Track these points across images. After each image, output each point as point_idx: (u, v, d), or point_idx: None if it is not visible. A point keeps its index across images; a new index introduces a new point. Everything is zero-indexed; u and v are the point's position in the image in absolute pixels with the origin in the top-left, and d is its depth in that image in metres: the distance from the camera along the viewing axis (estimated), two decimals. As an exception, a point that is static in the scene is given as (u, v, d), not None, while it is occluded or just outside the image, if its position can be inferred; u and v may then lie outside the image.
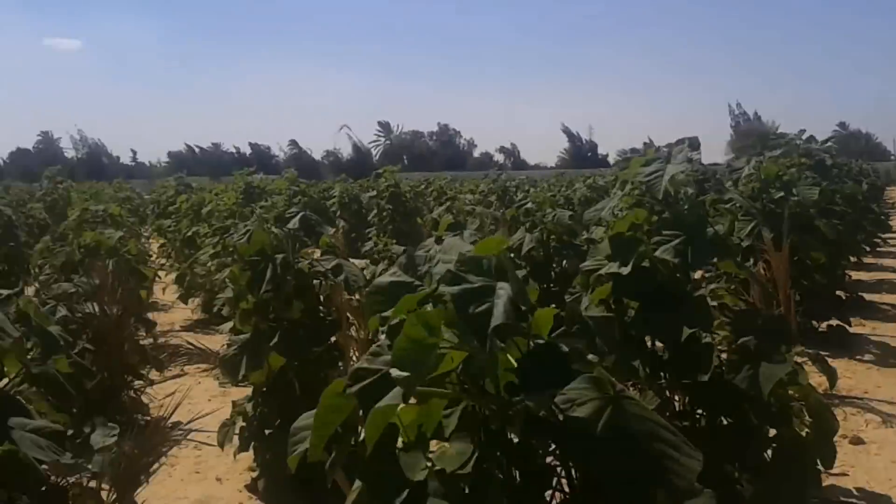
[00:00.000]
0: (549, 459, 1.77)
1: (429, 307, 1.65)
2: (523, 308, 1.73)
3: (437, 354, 1.57)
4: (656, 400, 3.41)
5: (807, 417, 3.48)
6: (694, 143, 3.97)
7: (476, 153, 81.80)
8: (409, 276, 2.00)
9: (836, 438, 4.04)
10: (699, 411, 3.42)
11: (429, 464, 1.68)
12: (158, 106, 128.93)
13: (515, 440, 1.74)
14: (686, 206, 3.61)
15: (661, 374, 3.40)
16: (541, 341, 1.80)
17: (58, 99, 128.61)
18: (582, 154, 74.63)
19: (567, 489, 1.75)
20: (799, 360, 4.05)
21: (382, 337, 1.84)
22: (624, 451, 1.54)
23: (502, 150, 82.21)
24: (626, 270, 3.40)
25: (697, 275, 3.59)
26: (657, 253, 3.35)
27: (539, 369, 1.77)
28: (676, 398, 3.50)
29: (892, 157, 56.92)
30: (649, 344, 3.42)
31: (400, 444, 1.70)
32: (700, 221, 3.48)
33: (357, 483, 1.72)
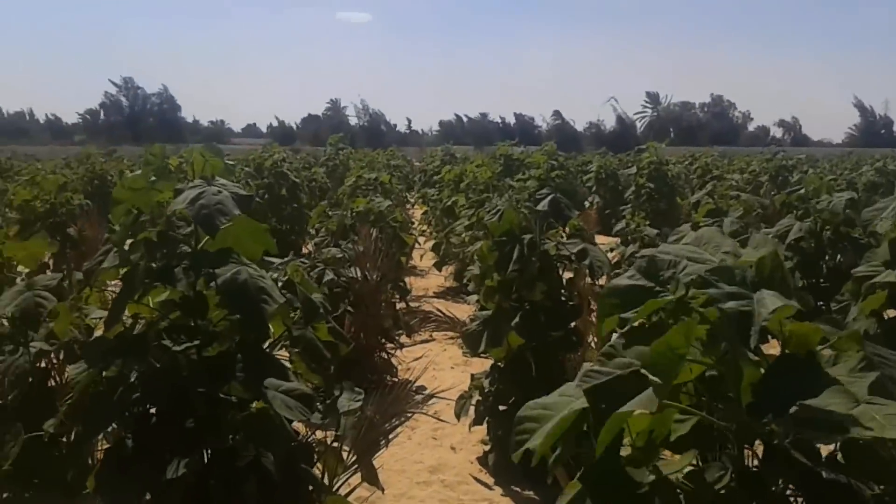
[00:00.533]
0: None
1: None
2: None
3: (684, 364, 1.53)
4: None
5: None
6: None
7: (751, 127, 76.85)
8: (649, 280, 1.95)
9: None
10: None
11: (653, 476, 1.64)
12: (434, 77, 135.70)
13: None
14: None
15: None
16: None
17: (346, 69, 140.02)
18: (874, 131, 67.25)
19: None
20: None
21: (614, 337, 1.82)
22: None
23: (781, 123, 76.49)
24: (904, 278, 3.05)
25: None
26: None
27: (787, 384, 1.66)
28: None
29: None
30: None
31: (627, 450, 1.68)
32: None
33: (575, 482, 1.72)
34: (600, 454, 1.58)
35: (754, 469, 1.70)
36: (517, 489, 3.61)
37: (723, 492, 1.58)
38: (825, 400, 1.54)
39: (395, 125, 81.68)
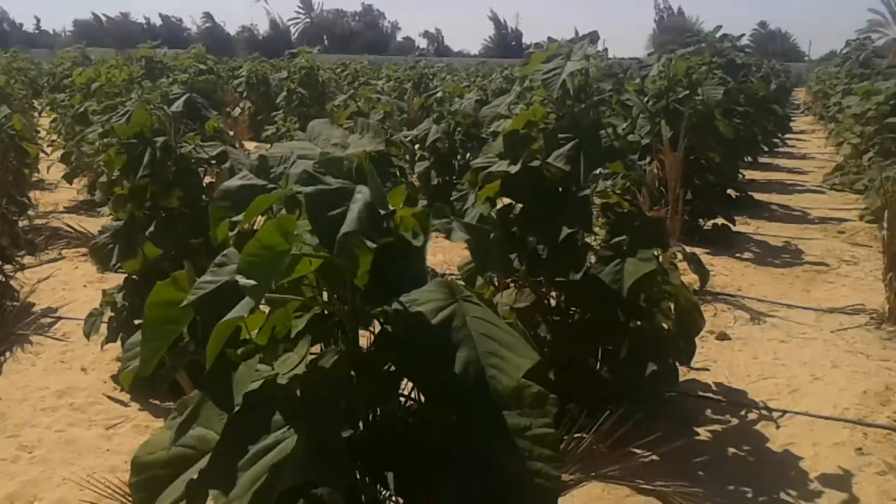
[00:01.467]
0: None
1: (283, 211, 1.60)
2: (383, 212, 1.68)
3: (289, 260, 1.52)
4: (532, 297, 3.50)
5: (674, 315, 3.64)
6: (594, 38, 3.91)
7: (399, 37, 79.60)
8: (262, 178, 1.92)
9: (702, 334, 4.26)
10: (573, 308, 3.54)
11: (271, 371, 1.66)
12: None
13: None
14: (582, 106, 3.58)
15: (540, 272, 3.48)
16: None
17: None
18: (507, 43, 73.46)
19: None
20: (676, 259, 4.20)
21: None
22: (448, 351, 1.55)
23: (426, 34, 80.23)
24: (514, 169, 3.40)
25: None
26: (550, 159, 3.34)
27: (392, 272, 1.75)
28: (553, 295, 3.60)
29: (806, 59, 58.05)
30: (536, 244, 3.46)
31: (240, 352, 1.66)
32: (594, 125, 3.47)
33: (196, 392, 1.69)
34: (210, 365, 1.54)
35: (367, 351, 1.80)
36: (156, 402, 3.46)
37: (333, 373, 1.65)
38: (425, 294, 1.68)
39: (21, 24, 71.37)
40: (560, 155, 3.29)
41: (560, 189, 3.41)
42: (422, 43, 77.89)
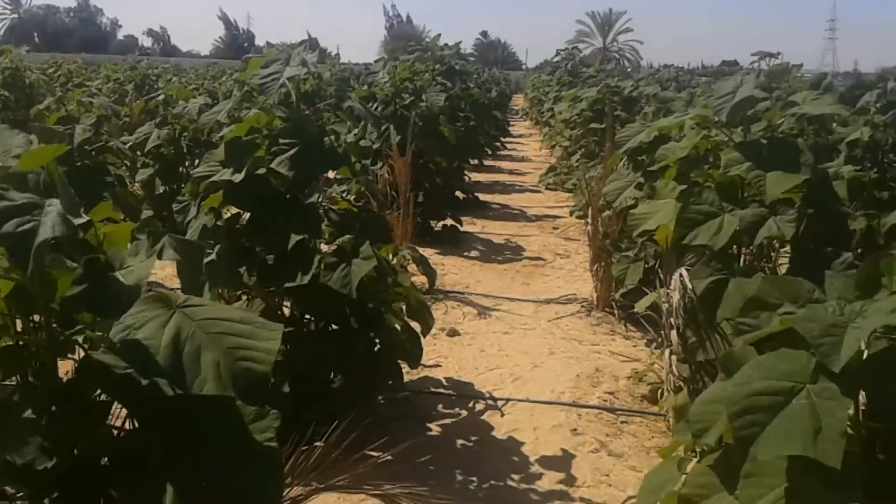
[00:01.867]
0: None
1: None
2: (79, 223, 1.53)
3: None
4: (262, 306, 3.42)
5: (405, 317, 3.74)
6: (313, 45, 3.90)
7: (120, 35, 74.52)
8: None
9: (435, 331, 4.42)
10: (306, 316, 3.51)
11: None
12: None
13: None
14: (306, 113, 3.55)
15: (270, 282, 3.40)
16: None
17: None
18: (239, 44, 71.59)
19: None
20: (406, 262, 4.32)
21: None
22: (188, 360, 1.46)
23: (150, 33, 75.92)
24: (238, 178, 3.28)
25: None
26: (273, 164, 3.27)
27: (96, 293, 1.61)
28: (286, 305, 3.54)
29: (524, 67, 62.77)
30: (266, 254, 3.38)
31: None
32: (318, 131, 3.46)
33: None
34: None
35: (69, 381, 1.65)
36: None
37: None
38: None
39: None
40: (283, 161, 3.24)
41: (287, 196, 3.36)
42: (146, 42, 73.56)
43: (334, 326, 3.43)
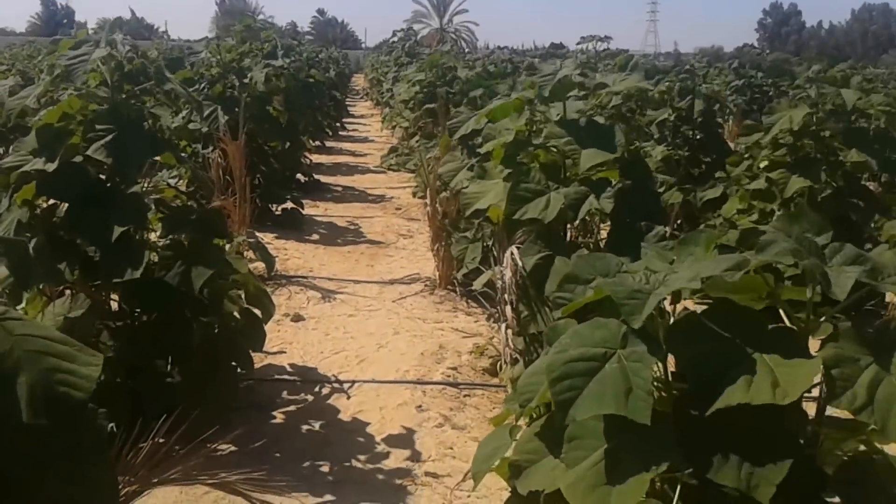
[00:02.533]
0: None
1: None
2: None
3: None
4: (88, 303, 3.24)
5: (245, 304, 3.66)
6: (117, 24, 3.73)
7: (-85, 9, 67.66)
8: None
9: (278, 317, 4.37)
10: (137, 309, 3.35)
11: None
12: None
13: None
14: (124, 97, 3.37)
15: (95, 276, 3.23)
16: None
17: None
18: (58, 20, 66.73)
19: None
20: (242, 248, 4.22)
21: None
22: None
23: (-47, 8, 69.43)
24: (52, 167, 3.08)
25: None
26: (89, 151, 3.09)
27: None
28: (114, 298, 3.38)
29: (364, 46, 62.37)
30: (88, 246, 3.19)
31: None
32: (136, 114, 3.30)
33: None
34: None
35: None
36: None
37: None
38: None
39: None
40: (99, 147, 3.06)
41: (108, 185, 3.19)
42: (-52, 18, 67.44)
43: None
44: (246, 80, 6.60)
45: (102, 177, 3.21)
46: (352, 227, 7.13)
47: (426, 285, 5.34)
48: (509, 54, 17.92)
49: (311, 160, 9.75)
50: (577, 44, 7.22)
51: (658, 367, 1.61)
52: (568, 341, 1.53)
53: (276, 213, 7.00)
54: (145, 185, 3.51)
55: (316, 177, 8.98)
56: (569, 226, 3.48)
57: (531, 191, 3.27)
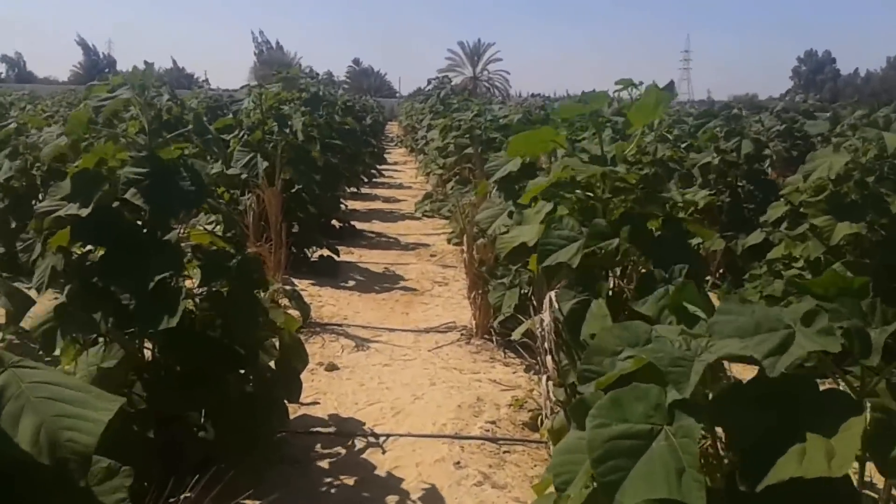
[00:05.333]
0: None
1: None
2: None
3: None
4: (121, 353, 3.18)
5: (279, 354, 3.58)
6: (150, 69, 3.74)
7: (-29, 63, 70.17)
8: None
9: (312, 367, 4.29)
10: (171, 360, 3.29)
11: None
12: None
13: None
14: (160, 141, 3.36)
15: (130, 324, 3.17)
16: None
17: None
18: (100, 69, 68.68)
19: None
20: (279, 296, 4.16)
21: None
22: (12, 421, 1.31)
23: (4, 59, 71.83)
24: (86, 212, 3.05)
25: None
26: (126, 195, 3.06)
27: None
28: (148, 347, 3.32)
29: (398, 95, 63.24)
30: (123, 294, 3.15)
31: None
32: (174, 160, 3.27)
33: None
34: None
35: None
36: None
37: None
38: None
39: None
40: (137, 192, 3.03)
41: (145, 231, 3.16)
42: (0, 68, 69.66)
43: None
44: (286, 129, 6.63)
45: (139, 223, 3.17)
46: (387, 274, 7.06)
47: (462, 334, 5.23)
48: (542, 101, 17.97)
49: (346, 206, 9.76)
50: (614, 91, 7.20)
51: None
52: (607, 413, 1.42)
53: (312, 259, 6.97)
54: (181, 230, 3.47)
55: (351, 223, 8.97)
56: (610, 272, 3.37)
57: (563, 237, 3.18)
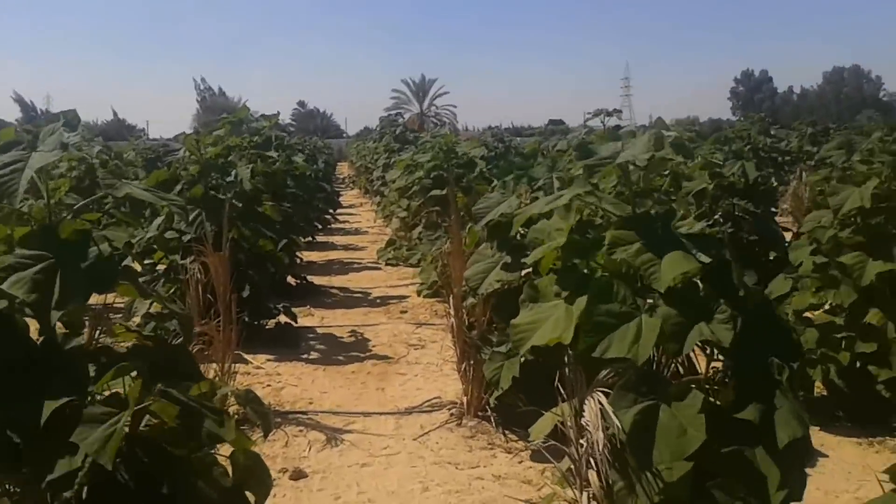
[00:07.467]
0: None
1: None
2: None
3: None
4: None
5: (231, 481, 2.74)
6: (71, 124, 2.87)
7: None
8: None
9: (274, 475, 3.42)
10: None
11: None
12: None
13: None
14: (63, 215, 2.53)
15: (21, 468, 2.31)
16: None
17: None
18: (39, 124, 66.71)
19: None
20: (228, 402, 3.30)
21: None
22: None
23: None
24: (-41, 315, 2.20)
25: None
26: (4, 286, 2.20)
27: None
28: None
29: (345, 135, 62.63)
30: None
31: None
32: (79, 235, 2.43)
33: None
34: None
35: None
36: None
37: None
38: None
39: None
40: (21, 281, 2.18)
41: (37, 338, 2.30)
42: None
43: None
44: (230, 179, 5.79)
45: (24, 326, 2.32)
46: (354, 340, 6.19)
47: (451, 413, 4.42)
48: (499, 133, 17.40)
49: (302, 258, 8.90)
50: (586, 119, 6.56)
51: None
52: None
53: (268, 327, 6.08)
54: (97, 332, 2.61)
55: (308, 278, 8.10)
56: (663, 357, 2.61)
57: (614, 314, 2.42)
